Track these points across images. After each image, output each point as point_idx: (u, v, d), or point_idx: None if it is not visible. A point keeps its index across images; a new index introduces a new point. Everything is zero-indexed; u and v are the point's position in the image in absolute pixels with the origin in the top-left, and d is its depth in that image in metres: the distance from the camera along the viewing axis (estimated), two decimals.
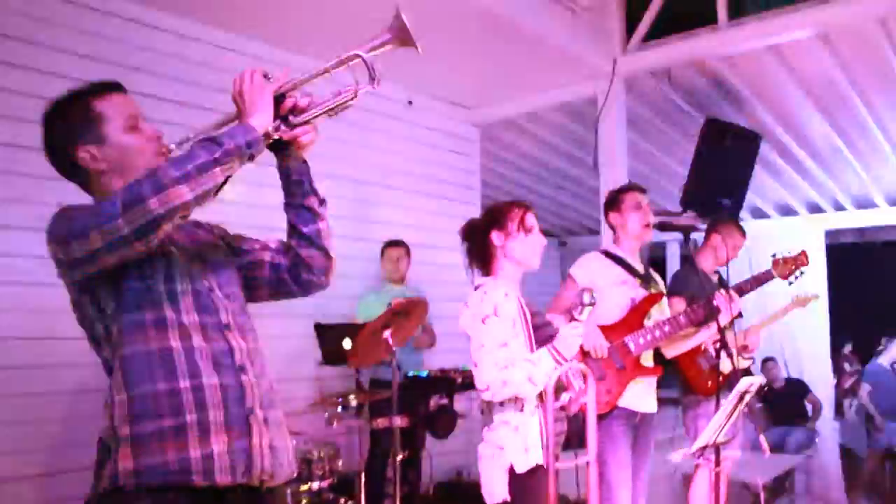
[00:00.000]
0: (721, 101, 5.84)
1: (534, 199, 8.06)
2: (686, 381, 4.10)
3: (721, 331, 3.26)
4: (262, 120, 1.73)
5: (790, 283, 3.77)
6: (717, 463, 3.26)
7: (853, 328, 9.25)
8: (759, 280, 3.65)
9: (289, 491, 3.36)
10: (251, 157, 1.71)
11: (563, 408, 2.44)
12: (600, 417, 3.32)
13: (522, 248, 2.77)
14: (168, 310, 1.70)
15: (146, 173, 1.60)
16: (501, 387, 2.50)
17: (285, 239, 2.02)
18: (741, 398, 2.87)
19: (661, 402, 3.65)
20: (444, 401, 4.52)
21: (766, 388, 3.03)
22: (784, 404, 7.82)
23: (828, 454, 7.97)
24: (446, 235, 5.88)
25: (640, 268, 3.60)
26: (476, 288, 2.75)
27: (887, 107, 5.70)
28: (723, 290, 3.49)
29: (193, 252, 1.85)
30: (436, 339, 5.11)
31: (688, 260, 3.60)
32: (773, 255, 3.79)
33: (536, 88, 5.98)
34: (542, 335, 2.66)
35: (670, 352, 3.66)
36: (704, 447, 2.87)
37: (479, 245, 2.82)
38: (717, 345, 3.25)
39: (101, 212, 1.59)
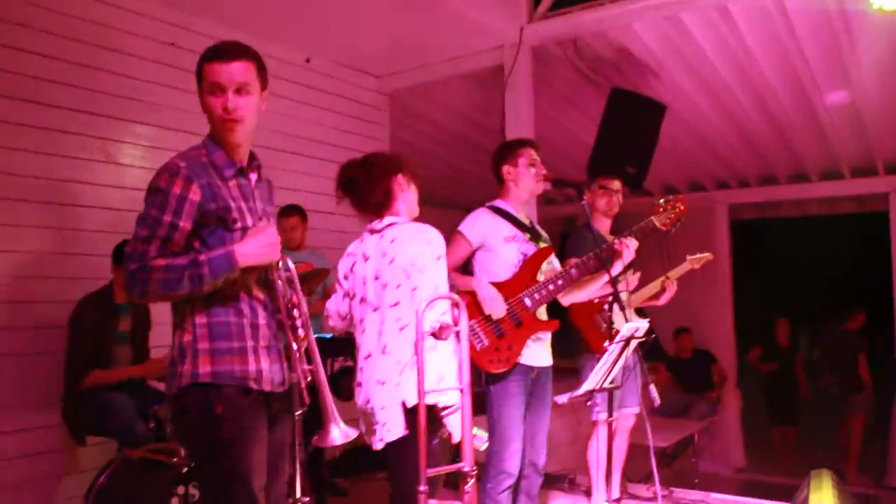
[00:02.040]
0: (626, 70, 5.94)
1: (443, 169, 8.10)
2: (583, 341, 4.17)
3: (612, 281, 3.32)
4: (249, 261, 2.23)
5: (670, 232, 3.83)
6: (610, 412, 3.35)
7: (754, 302, 9.59)
8: (643, 228, 3.70)
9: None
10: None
11: (434, 334, 2.44)
12: (500, 376, 3.38)
13: (412, 201, 2.87)
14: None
15: (144, 274, 2.13)
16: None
17: None
18: (626, 343, 2.94)
19: (561, 371, 3.70)
20: (349, 363, 4.50)
21: (652, 336, 3.07)
22: (691, 373, 8.09)
23: (730, 420, 8.29)
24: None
25: (527, 223, 3.61)
26: (391, 225, 2.87)
27: (782, 80, 5.89)
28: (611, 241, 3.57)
29: None
30: None
31: (582, 223, 3.64)
32: (657, 203, 3.84)
33: (444, 56, 5.99)
34: None
35: (567, 300, 3.70)
36: (592, 391, 2.92)
37: (380, 186, 2.88)
38: (609, 298, 3.32)
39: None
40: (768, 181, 8.41)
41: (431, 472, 2.24)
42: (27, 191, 4.27)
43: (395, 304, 2.76)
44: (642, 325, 3.00)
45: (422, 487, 2.20)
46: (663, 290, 4.40)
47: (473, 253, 3.51)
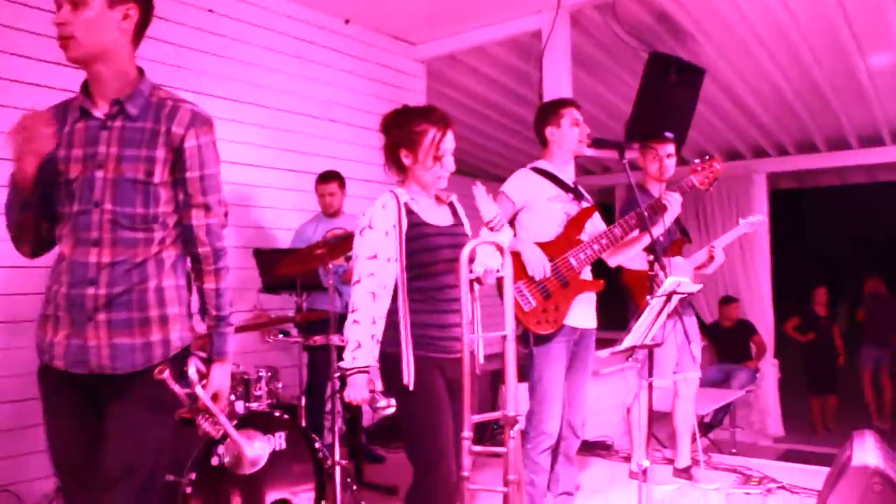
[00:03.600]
0: (666, 36, 5.83)
1: (478, 139, 8.05)
2: (634, 302, 4.13)
3: (653, 241, 3.27)
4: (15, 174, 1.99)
5: (707, 191, 3.82)
6: (650, 372, 3.31)
7: (793, 272, 9.46)
8: (682, 187, 3.66)
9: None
10: None
11: (478, 279, 2.41)
12: (545, 337, 3.36)
13: (428, 175, 2.67)
14: (60, 228, 2.04)
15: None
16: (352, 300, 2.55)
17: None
18: (668, 298, 2.89)
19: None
20: None
21: (688, 294, 3.06)
22: (731, 343, 8.03)
23: (768, 390, 8.21)
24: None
25: (570, 183, 3.57)
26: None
27: (823, 42, 5.74)
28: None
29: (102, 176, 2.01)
30: None
31: (630, 187, 3.57)
32: (693, 162, 3.81)
33: (481, 22, 5.92)
34: (421, 245, 2.59)
35: (613, 260, 3.66)
36: (633, 347, 2.89)
37: (391, 158, 2.76)
38: (650, 255, 3.27)
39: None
40: (807, 149, 8.25)
41: (476, 418, 2.22)
42: None
43: None
44: (684, 280, 2.95)
45: (466, 434, 2.18)
46: (710, 258, 4.33)
47: (516, 213, 3.47)
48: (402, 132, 2.67)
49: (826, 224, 9.91)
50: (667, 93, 5.48)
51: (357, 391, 2.51)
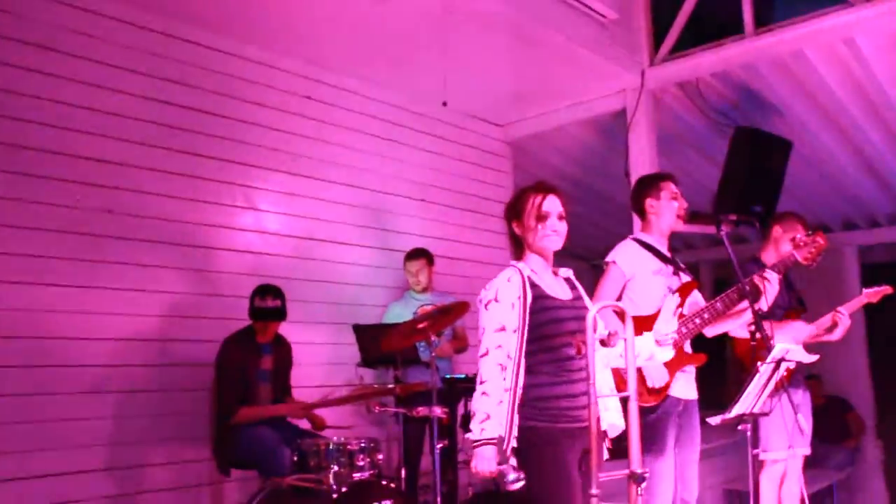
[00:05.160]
0: (749, 110, 5.89)
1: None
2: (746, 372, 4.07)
3: (755, 313, 3.27)
4: None
5: (811, 266, 3.75)
6: (755, 443, 3.26)
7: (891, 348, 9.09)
8: (784, 262, 3.65)
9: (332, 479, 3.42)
10: None
11: (602, 342, 2.45)
12: (651, 409, 3.36)
13: (534, 237, 2.77)
14: None
15: None
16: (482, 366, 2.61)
17: None
18: (777, 365, 2.88)
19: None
20: None
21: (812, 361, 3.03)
22: (824, 422, 7.72)
23: (870, 472, 7.85)
24: (477, 249, 6.06)
25: (669, 256, 3.62)
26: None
27: None
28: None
29: None
30: (467, 345, 5.14)
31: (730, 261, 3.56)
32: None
33: (566, 102, 6.11)
34: (545, 318, 2.66)
35: (711, 332, 3.65)
36: (742, 414, 2.88)
37: (509, 235, 2.88)
38: (752, 327, 3.27)
39: None
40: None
41: (604, 476, 2.24)
42: (170, 234, 4.54)
43: None
44: (794, 347, 2.94)
45: (594, 491, 2.20)
46: (835, 324, 4.25)
47: (625, 285, 3.53)
48: (511, 207, 2.82)
49: None
50: (753, 165, 5.50)
51: (485, 463, 2.52)
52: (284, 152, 5.16)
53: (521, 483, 2.46)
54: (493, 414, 2.54)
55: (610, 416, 2.70)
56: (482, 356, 2.63)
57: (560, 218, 2.78)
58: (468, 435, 2.58)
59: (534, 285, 2.70)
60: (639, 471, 2.17)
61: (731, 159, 5.56)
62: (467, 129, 6.42)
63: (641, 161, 5.70)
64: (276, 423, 4.21)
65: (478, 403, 2.57)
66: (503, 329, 2.62)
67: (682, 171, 6.90)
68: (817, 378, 7.91)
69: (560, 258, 2.89)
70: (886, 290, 4.29)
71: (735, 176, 5.51)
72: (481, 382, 2.59)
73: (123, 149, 4.35)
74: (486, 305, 2.69)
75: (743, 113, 5.91)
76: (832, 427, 7.67)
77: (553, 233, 2.76)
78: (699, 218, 3.61)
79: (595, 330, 2.31)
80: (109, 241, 4.26)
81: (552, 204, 2.78)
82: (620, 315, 2.46)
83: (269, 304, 4.26)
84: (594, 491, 2.20)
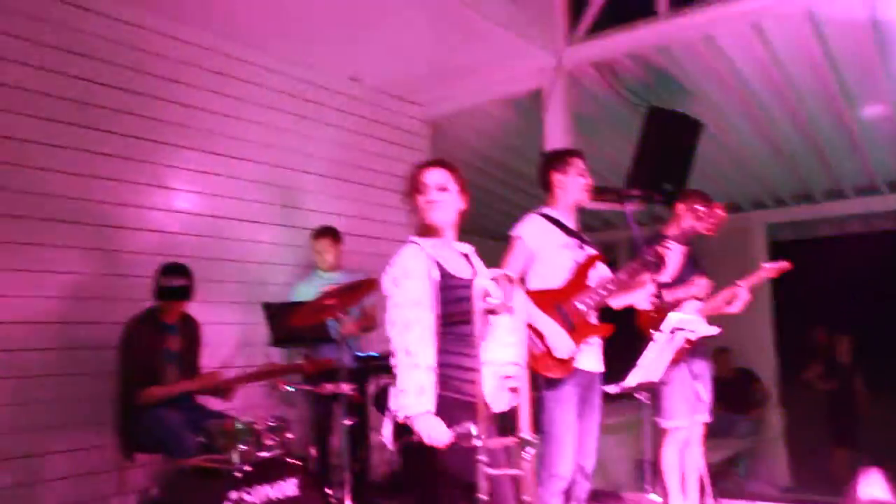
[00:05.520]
0: (663, 92, 5.99)
1: (481, 196, 8.15)
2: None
3: (658, 285, 3.35)
4: None
5: (711, 238, 3.85)
6: (657, 412, 3.33)
7: (796, 322, 9.46)
8: (685, 233, 3.74)
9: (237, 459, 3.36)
10: None
11: (493, 311, 2.45)
12: (556, 381, 3.40)
13: (419, 211, 2.78)
14: None
15: None
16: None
17: None
18: (674, 335, 2.95)
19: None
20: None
21: (710, 335, 3.12)
22: (732, 393, 8.01)
23: (773, 440, 8.18)
24: (395, 228, 6.02)
25: (575, 230, 3.66)
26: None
27: (816, 95, 5.90)
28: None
29: None
30: (375, 324, 5.02)
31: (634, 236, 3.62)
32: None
33: (484, 82, 6.10)
34: (449, 296, 2.66)
35: (617, 303, 3.72)
36: (642, 384, 2.93)
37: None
38: (655, 299, 3.34)
39: None
40: (805, 199, 8.37)
41: (492, 443, 2.26)
42: (71, 212, 4.38)
43: None
44: (691, 318, 3.01)
45: (482, 458, 2.23)
46: (734, 297, 4.35)
47: (530, 259, 3.55)
48: (405, 184, 2.81)
49: (826, 274, 9.94)
50: (665, 145, 5.61)
51: (438, 432, 2.48)
52: (195, 129, 5.02)
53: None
54: (426, 386, 2.52)
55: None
56: (400, 330, 2.59)
57: (440, 189, 2.76)
58: (401, 409, 2.53)
59: (436, 262, 2.69)
60: (527, 437, 2.19)
61: (643, 138, 5.64)
62: (384, 107, 6.36)
63: (557, 140, 5.73)
64: (181, 405, 4.11)
65: (408, 376, 2.54)
66: (418, 303, 2.60)
67: (598, 150, 7.01)
68: (726, 351, 8.20)
69: (479, 239, 2.91)
70: (785, 265, 4.42)
71: (646, 154, 5.59)
72: (408, 355, 2.55)
73: (23, 123, 4.16)
74: (396, 281, 2.67)
75: (657, 94, 6.01)
76: (739, 398, 7.97)
77: (429, 204, 2.74)
78: (605, 193, 3.66)
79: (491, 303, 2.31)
80: (4, 220, 4.07)
81: (432, 176, 2.77)
82: (510, 281, 2.47)
83: (174, 282, 4.15)
84: (482, 458, 2.21)
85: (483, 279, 2.41)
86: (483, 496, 2.21)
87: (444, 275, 2.67)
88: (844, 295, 9.96)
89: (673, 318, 2.96)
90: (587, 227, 9.17)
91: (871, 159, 7.12)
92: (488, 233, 8.89)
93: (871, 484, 2.99)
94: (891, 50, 5.15)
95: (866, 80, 5.59)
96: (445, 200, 2.77)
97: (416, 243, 2.73)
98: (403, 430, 2.56)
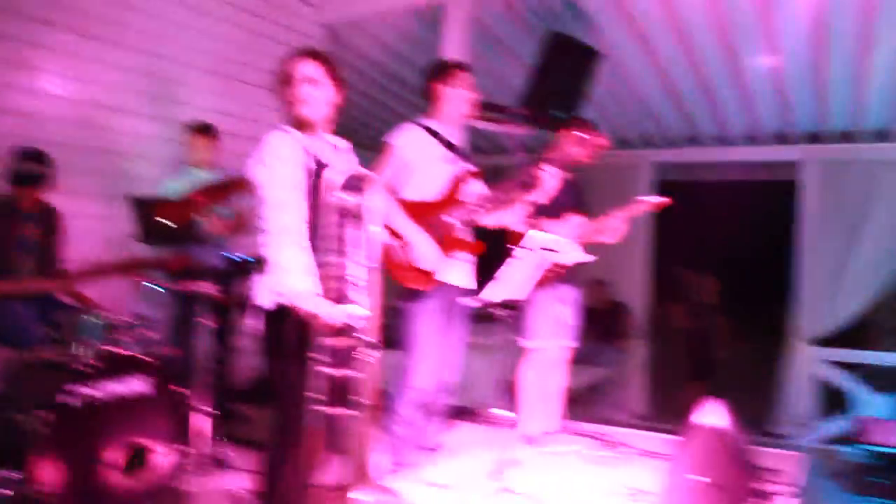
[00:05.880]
0: (567, 18, 5.92)
1: (377, 110, 7.99)
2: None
3: (534, 208, 3.35)
4: None
5: (590, 164, 3.87)
6: (519, 332, 3.38)
7: (673, 261, 9.81)
8: (564, 158, 3.70)
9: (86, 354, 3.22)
10: None
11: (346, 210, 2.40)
12: (420, 293, 3.38)
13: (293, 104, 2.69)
14: None
15: None
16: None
17: None
18: (536, 254, 2.96)
19: None
20: None
21: (578, 262, 3.13)
22: (603, 323, 8.29)
23: (636, 370, 8.57)
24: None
25: (456, 145, 3.60)
26: None
27: (714, 40, 5.97)
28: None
29: None
30: (247, 225, 4.76)
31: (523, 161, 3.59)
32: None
33: None
34: (318, 184, 2.58)
35: (491, 222, 3.71)
36: (505, 302, 2.95)
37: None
38: (531, 221, 3.35)
39: None
40: (693, 142, 8.57)
41: (330, 341, 2.21)
42: None
43: None
44: (557, 240, 3.03)
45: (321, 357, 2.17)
46: (605, 227, 4.39)
47: (403, 169, 3.47)
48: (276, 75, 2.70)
49: (707, 218, 10.32)
50: (560, 72, 5.57)
51: (335, 310, 2.39)
52: (69, 8, 4.65)
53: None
54: (308, 265, 2.44)
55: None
56: (275, 210, 2.48)
57: (312, 83, 2.64)
58: (288, 288, 2.43)
59: (308, 152, 2.58)
60: (371, 339, 2.16)
61: (539, 61, 5.59)
62: (277, 5, 6.07)
63: (454, 55, 5.60)
64: (32, 296, 3.89)
65: (289, 254, 2.43)
66: (292, 187, 2.50)
67: (497, 70, 6.94)
68: (602, 283, 8.44)
69: (370, 152, 2.80)
70: (662, 202, 4.47)
71: (540, 78, 5.54)
72: (286, 233, 2.45)
73: None
74: (268, 164, 2.54)
75: (559, 19, 5.93)
76: (607, 328, 8.25)
77: (300, 98, 2.64)
78: (491, 110, 3.60)
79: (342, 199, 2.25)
80: None
81: (304, 68, 2.66)
82: (371, 182, 2.40)
83: (29, 168, 3.88)
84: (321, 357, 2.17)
85: (334, 172, 2.33)
86: (319, 395, 2.18)
87: (318, 164, 2.57)
88: (717, 239, 10.36)
89: (534, 235, 2.97)
90: (478, 149, 9.18)
91: (759, 110, 7.30)
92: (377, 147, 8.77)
93: (711, 413, 3.14)
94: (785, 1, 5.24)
95: (762, 30, 5.67)
96: (317, 95, 2.65)
97: (285, 131, 2.62)
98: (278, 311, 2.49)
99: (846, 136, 7.55)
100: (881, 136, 7.37)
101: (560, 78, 5.57)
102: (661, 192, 8.40)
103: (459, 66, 3.65)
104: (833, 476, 4.61)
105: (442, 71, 3.62)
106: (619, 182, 8.89)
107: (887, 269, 7.40)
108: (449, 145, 3.54)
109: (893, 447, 4.57)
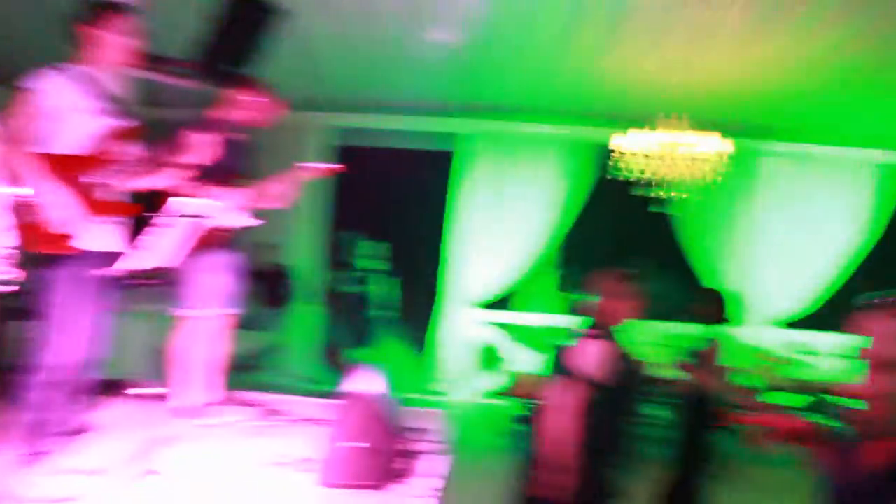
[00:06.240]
0: None
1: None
2: None
3: (193, 171, 3.18)
4: None
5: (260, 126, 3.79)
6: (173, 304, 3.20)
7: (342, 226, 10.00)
8: (231, 119, 3.61)
9: None
10: None
11: None
12: (57, 258, 3.03)
13: None
14: None
15: None
16: None
17: None
18: (182, 220, 2.82)
19: None
20: None
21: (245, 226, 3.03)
22: (268, 288, 8.21)
23: (300, 334, 8.68)
24: None
25: (113, 95, 3.27)
26: None
27: (397, 17, 6.08)
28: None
29: None
30: None
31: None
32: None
33: None
34: None
35: (143, 185, 3.43)
36: (154, 270, 2.78)
37: None
38: (187, 185, 3.18)
39: None
40: (372, 109, 8.77)
41: None
42: None
43: None
44: (203, 204, 2.90)
45: None
46: (265, 192, 4.26)
47: (42, 118, 3.07)
48: None
49: (383, 185, 10.63)
50: (237, 27, 5.29)
51: None
52: None
53: None
54: None
55: None
56: None
57: None
58: None
59: None
60: None
61: (216, 13, 5.27)
62: None
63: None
64: None
65: None
66: None
67: (180, 21, 6.41)
68: (271, 247, 8.36)
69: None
70: (330, 168, 4.49)
71: (216, 31, 5.23)
72: None
73: None
74: None
75: None
76: (274, 293, 8.22)
77: None
78: (154, 62, 3.32)
79: None
80: None
81: None
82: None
83: None
84: None
85: None
86: None
87: None
88: (389, 206, 10.72)
89: (177, 202, 2.81)
90: (149, 103, 8.52)
91: (434, 80, 7.62)
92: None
93: (364, 378, 3.25)
94: None
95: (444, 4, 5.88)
96: None
97: None
98: None
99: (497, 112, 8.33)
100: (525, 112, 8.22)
101: (237, 33, 5.30)
102: (340, 158, 8.59)
103: (117, 8, 3.29)
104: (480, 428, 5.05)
105: (101, 10, 3.24)
106: (296, 146, 8.83)
107: (537, 238, 8.29)
108: (101, 96, 3.19)
109: None
